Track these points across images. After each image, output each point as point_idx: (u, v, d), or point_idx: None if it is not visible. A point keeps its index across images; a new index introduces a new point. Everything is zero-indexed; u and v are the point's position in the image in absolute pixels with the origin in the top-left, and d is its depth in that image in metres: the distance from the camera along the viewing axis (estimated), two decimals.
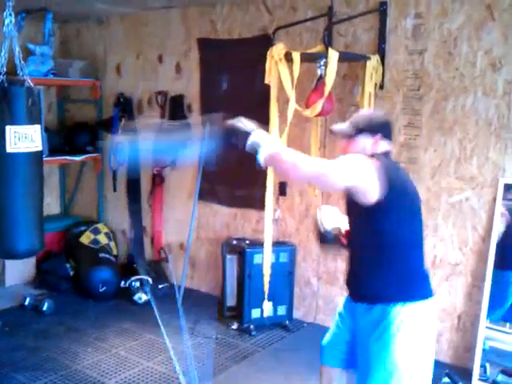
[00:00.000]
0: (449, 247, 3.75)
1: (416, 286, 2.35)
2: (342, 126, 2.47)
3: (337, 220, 2.63)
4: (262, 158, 2.19)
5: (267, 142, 2.21)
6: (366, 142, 2.37)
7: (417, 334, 2.27)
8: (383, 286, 2.32)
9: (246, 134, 2.22)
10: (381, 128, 2.40)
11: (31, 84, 2.69)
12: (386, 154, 2.38)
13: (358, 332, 2.44)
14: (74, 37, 5.83)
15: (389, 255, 2.32)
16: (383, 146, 2.38)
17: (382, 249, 2.32)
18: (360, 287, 2.42)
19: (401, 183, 2.30)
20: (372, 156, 2.30)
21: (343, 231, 2.59)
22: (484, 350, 3.57)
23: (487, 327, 3.60)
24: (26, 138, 2.62)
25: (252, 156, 2.27)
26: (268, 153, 2.18)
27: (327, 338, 2.63)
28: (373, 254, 2.33)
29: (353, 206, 2.33)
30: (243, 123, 2.26)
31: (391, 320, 2.25)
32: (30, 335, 4.12)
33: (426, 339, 2.31)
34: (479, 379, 3.53)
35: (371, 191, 2.17)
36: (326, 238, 2.66)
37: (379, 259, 2.33)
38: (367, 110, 2.62)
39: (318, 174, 2.18)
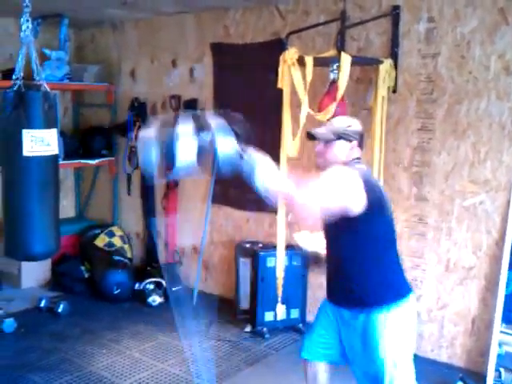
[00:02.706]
0: (463, 251, 3.73)
1: (397, 288, 2.49)
2: (320, 131, 2.55)
3: (313, 239, 2.75)
4: (258, 185, 2.13)
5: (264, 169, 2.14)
6: (342, 147, 2.48)
7: (402, 331, 2.43)
8: (370, 293, 2.44)
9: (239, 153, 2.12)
10: (357, 135, 2.52)
11: (48, 88, 2.72)
12: (358, 160, 2.51)
13: (344, 335, 2.54)
14: (89, 42, 5.89)
15: (373, 262, 2.44)
16: (356, 152, 2.51)
17: (367, 255, 2.43)
18: (346, 295, 2.49)
19: (379, 190, 2.43)
20: (346, 163, 2.45)
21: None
22: (499, 354, 3.55)
23: (502, 332, 3.58)
24: (42, 142, 2.65)
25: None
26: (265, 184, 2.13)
27: (311, 334, 2.71)
28: (357, 261, 2.43)
29: (332, 219, 2.33)
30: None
31: (379, 324, 2.39)
32: (46, 337, 4.17)
33: (410, 332, 2.48)
34: None
35: (359, 204, 2.28)
36: (317, 259, 2.75)
37: (364, 266, 2.43)
38: (344, 117, 2.67)
39: (308, 207, 2.20)
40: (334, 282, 2.57)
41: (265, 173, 2.13)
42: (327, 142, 2.50)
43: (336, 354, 2.64)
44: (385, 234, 2.48)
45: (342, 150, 2.48)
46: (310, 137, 2.58)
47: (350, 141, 2.49)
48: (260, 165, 2.13)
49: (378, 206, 2.36)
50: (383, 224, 2.45)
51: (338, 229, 2.40)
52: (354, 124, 2.56)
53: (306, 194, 2.19)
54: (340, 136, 2.48)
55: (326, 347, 2.65)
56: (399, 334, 2.42)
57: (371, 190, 2.32)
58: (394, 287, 2.49)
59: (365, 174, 2.39)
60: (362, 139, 2.56)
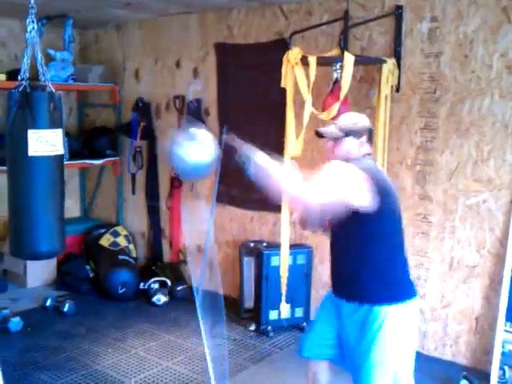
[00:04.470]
0: (466, 249, 3.74)
1: (401, 288, 2.48)
2: (328, 129, 2.55)
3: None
4: (251, 170, 2.35)
5: (257, 156, 2.37)
6: (352, 144, 2.48)
7: (401, 332, 2.40)
8: (372, 287, 2.43)
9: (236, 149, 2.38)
10: (365, 131, 2.52)
11: (53, 89, 2.74)
12: (368, 156, 2.53)
13: (344, 330, 2.54)
14: (94, 43, 5.92)
15: (378, 257, 2.45)
16: (366, 148, 2.52)
17: (371, 251, 2.44)
18: (349, 288, 2.50)
19: (387, 187, 2.42)
20: (356, 159, 2.45)
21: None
22: (503, 352, 3.56)
23: (505, 330, 3.59)
24: (47, 142, 2.67)
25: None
26: (256, 166, 2.35)
27: (310, 332, 2.73)
28: (362, 256, 2.44)
29: (338, 216, 2.35)
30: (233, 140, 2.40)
31: (378, 319, 2.37)
32: (52, 336, 4.20)
33: (409, 337, 2.45)
34: (498, 382, 3.52)
35: (360, 198, 2.29)
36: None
37: (368, 261, 2.44)
38: (351, 114, 2.66)
39: (299, 196, 2.33)
40: (339, 275, 2.57)
41: (259, 163, 2.36)
42: (336, 139, 2.49)
43: (335, 354, 2.65)
44: (391, 233, 2.47)
45: (351, 146, 2.48)
46: (319, 135, 2.58)
47: (359, 137, 2.49)
48: (254, 157, 2.36)
49: (384, 203, 2.32)
50: (390, 223, 2.45)
51: (346, 225, 2.39)
52: (361, 120, 2.55)
53: (304, 189, 2.26)
54: (348, 133, 2.47)
55: (326, 346, 2.65)
56: (397, 333, 2.38)
57: (376, 184, 2.31)
58: (397, 286, 2.46)
59: (370, 169, 2.38)
60: (371, 135, 2.57)
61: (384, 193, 2.35)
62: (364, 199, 2.29)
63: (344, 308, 2.53)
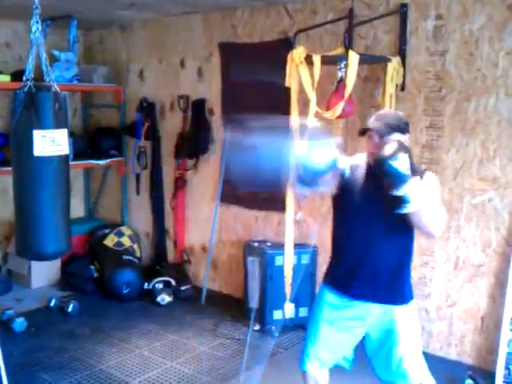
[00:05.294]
0: (472, 249, 3.73)
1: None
2: (376, 125, 2.42)
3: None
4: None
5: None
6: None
7: (417, 317, 2.63)
8: (407, 286, 2.56)
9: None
10: (409, 128, 2.49)
11: (58, 89, 2.74)
12: None
13: (373, 327, 2.54)
14: (98, 43, 5.93)
15: (411, 255, 2.55)
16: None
17: (410, 250, 2.54)
18: (387, 289, 2.49)
19: None
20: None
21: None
22: (509, 352, 3.54)
23: (511, 329, 3.57)
24: (53, 142, 2.67)
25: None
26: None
27: (317, 349, 2.63)
28: (403, 256, 2.50)
29: (382, 206, 2.34)
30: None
31: (408, 311, 2.53)
32: (56, 336, 4.20)
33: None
34: (503, 382, 3.50)
35: None
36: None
37: (408, 260, 2.52)
38: (391, 111, 2.62)
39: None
40: (372, 277, 2.48)
41: None
42: (383, 136, 2.36)
43: (344, 356, 2.66)
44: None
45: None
46: (364, 132, 2.46)
47: (404, 133, 2.42)
48: None
49: None
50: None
51: (392, 226, 2.40)
52: (403, 116, 2.53)
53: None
54: (395, 129, 2.38)
55: (336, 359, 2.64)
56: (417, 321, 2.60)
57: None
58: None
59: None
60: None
61: None
62: None
63: (371, 309, 2.50)
